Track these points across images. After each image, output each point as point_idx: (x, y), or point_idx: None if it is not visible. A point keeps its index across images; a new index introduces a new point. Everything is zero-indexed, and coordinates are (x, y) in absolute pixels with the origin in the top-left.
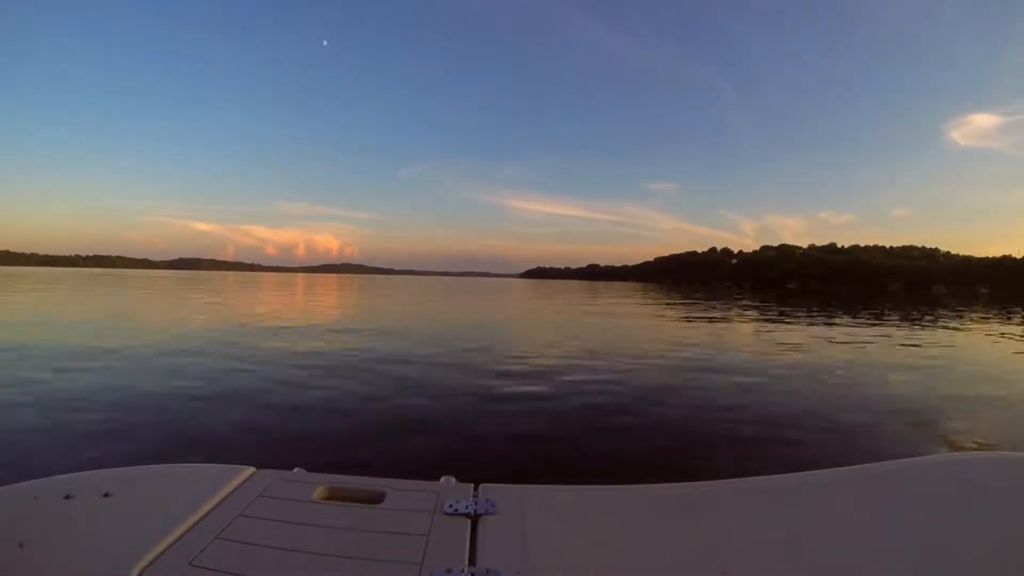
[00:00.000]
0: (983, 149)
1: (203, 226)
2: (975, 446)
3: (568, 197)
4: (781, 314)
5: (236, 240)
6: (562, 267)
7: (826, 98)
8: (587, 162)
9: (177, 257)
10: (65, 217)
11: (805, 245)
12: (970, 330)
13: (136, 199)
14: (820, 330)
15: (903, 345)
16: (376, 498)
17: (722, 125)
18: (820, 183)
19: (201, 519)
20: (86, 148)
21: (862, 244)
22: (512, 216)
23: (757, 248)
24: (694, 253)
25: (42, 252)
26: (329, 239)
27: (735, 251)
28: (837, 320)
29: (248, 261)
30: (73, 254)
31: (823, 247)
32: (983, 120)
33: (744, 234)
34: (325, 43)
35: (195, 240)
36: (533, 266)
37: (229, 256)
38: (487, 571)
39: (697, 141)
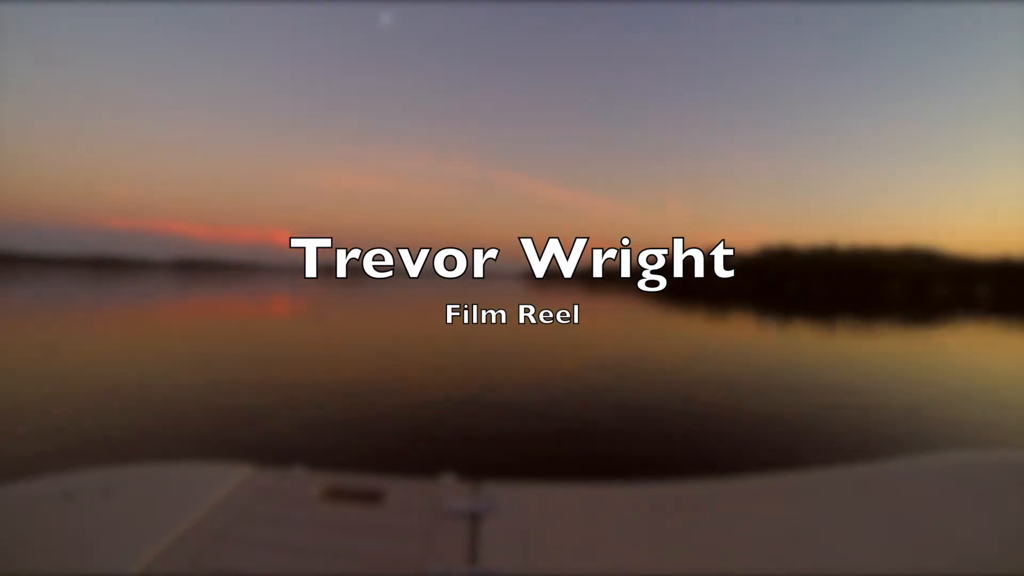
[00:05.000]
0: None
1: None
2: (975, 445)
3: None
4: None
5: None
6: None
7: None
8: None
9: (176, 258)
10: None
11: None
12: None
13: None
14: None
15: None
16: (376, 496)
17: None
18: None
19: (201, 517)
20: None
21: (862, 244)
22: None
23: (756, 249)
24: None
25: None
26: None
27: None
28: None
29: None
30: (74, 255)
31: (823, 248)
32: None
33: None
34: None
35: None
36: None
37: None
38: (487, 570)
39: None
